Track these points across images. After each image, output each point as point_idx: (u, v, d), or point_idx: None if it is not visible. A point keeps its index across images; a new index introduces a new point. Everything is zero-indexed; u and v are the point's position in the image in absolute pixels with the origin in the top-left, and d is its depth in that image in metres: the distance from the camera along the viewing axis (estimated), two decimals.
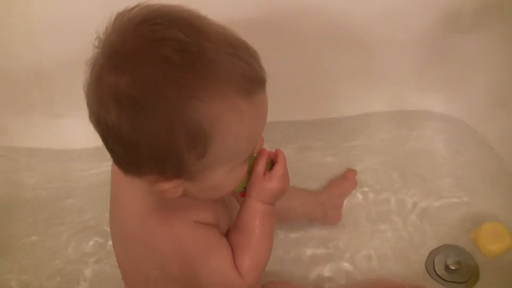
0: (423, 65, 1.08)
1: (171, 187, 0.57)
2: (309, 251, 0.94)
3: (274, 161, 0.67)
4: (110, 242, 0.80)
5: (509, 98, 1.00)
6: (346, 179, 1.00)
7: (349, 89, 1.10)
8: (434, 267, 0.89)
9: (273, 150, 0.68)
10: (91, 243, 0.97)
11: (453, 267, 0.87)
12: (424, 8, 0.99)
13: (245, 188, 0.66)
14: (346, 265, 0.92)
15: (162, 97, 0.50)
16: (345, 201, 0.99)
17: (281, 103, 0.91)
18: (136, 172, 0.57)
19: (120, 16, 0.54)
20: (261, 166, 0.65)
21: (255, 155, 0.65)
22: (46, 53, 1.00)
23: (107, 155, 0.57)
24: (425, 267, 0.89)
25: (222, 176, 0.58)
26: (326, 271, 0.91)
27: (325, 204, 0.96)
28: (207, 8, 0.55)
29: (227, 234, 0.68)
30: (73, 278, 0.92)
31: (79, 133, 0.97)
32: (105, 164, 0.91)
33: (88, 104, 0.54)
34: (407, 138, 1.09)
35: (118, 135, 0.53)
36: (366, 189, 1.01)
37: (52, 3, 0.93)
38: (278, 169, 0.66)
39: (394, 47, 1.04)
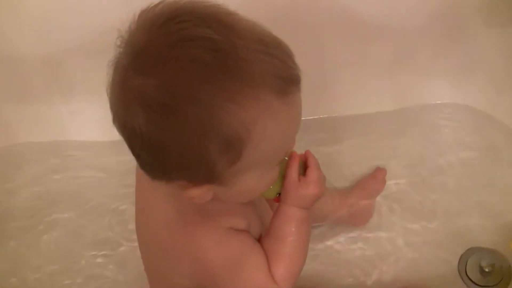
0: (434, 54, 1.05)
1: (201, 193, 0.55)
2: (335, 253, 0.92)
3: (306, 164, 0.65)
4: None
5: None
6: (375, 178, 0.97)
7: (360, 86, 1.08)
8: (466, 270, 0.87)
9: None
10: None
11: (487, 270, 0.85)
12: None
13: (279, 194, 0.64)
14: (373, 267, 0.90)
15: (194, 101, 0.47)
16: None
17: None
18: (165, 178, 0.54)
19: (144, 13, 0.50)
20: (294, 171, 0.62)
21: (286, 158, 0.63)
22: (54, 41, 0.97)
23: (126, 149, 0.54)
24: (458, 269, 0.88)
25: (255, 180, 0.56)
26: (354, 274, 0.90)
27: (355, 206, 0.94)
28: None
29: (260, 240, 0.66)
30: None
31: (92, 123, 0.98)
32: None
33: (112, 108, 0.52)
34: (426, 134, 1.06)
35: (146, 141, 0.50)
36: (391, 189, 0.98)
37: None
38: (312, 174, 0.63)
39: (407, 36, 1.02)
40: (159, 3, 0.51)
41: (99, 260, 0.94)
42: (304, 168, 0.65)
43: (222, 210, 0.61)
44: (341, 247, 0.92)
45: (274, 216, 0.65)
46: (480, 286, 0.85)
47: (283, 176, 0.63)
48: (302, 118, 0.55)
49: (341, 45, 1.02)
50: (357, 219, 0.94)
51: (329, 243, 0.93)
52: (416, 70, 1.07)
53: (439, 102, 1.09)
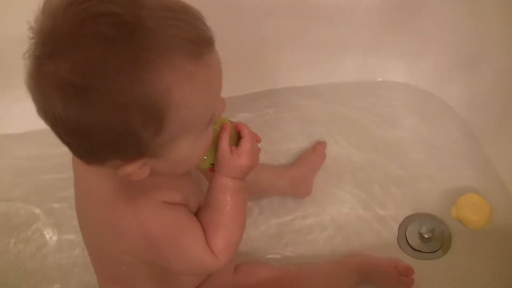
0: (385, 33, 1.06)
1: (135, 169, 0.54)
2: (279, 227, 0.92)
3: (239, 135, 0.65)
4: None
5: (467, 62, 1.00)
6: (315, 152, 0.99)
7: (310, 58, 1.08)
8: (406, 236, 0.88)
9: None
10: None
11: (426, 236, 0.86)
12: None
13: (213, 164, 0.64)
14: (316, 239, 0.90)
15: (105, 77, 0.47)
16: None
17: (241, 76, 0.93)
18: (97, 161, 0.54)
19: (49, 0, 0.49)
20: (225, 142, 0.63)
21: (218, 128, 0.63)
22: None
23: None
24: (397, 237, 0.89)
25: (188, 147, 0.56)
26: (298, 247, 0.90)
27: (295, 177, 0.94)
28: None
29: (197, 213, 0.66)
30: None
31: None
32: None
33: (33, 99, 0.51)
34: (373, 108, 1.07)
35: (68, 126, 0.50)
36: (334, 160, 0.99)
37: None
38: (245, 145, 0.64)
39: (355, 14, 1.02)
40: None
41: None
42: (237, 139, 0.65)
43: (157, 184, 0.61)
44: (280, 218, 0.93)
45: (209, 187, 0.65)
46: (419, 252, 0.87)
47: (215, 147, 0.63)
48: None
49: (289, 22, 1.02)
50: (298, 191, 0.95)
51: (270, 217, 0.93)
52: (366, 48, 1.08)
53: (388, 80, 1.10)
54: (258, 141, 0.67)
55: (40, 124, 0.53)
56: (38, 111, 0.51)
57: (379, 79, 1.11)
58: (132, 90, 0.48)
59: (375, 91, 1.10)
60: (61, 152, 0.58)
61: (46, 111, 0.50)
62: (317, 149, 0.99)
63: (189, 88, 0.50)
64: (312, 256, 0.88)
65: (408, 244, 0.88)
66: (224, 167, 0.63)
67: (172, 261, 0.63)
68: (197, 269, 0.66)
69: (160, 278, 0.68)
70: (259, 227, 0.92)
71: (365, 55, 1.09)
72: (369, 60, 1.09)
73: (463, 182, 0.94)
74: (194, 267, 0.65)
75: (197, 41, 0.50)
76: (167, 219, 0.61)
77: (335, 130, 1.04)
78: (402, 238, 0.88)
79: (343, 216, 0.92)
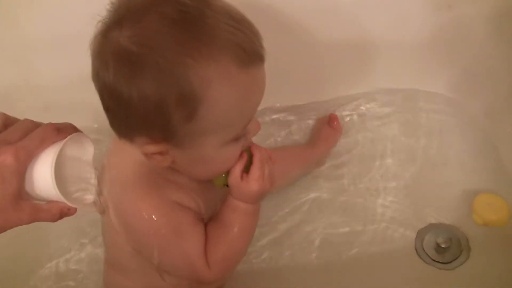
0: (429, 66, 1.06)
1: (158, 151, 0.57)
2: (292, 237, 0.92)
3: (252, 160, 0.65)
4: None
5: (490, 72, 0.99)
6: (331, 127, 1.01)
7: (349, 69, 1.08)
8: (423, 245, 0.87)
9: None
10: None
11: (444, 246, 0.85)
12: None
13: (227, 185, 0.65)
14: (331, 246, 0.90)
15: (156, 51, 0.51)
16: (330, 178, 0.99)
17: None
18: (128, 134, 0.57)
19: None
20: (238, 168, 0.63)
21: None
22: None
23: None
24: (415, 245, 0.88)
25: (211, 148, 0.58)
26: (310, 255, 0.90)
27: (317, 157, 0.99)
28: None
29: (207, 222, 0.67)
30: None
31: None
32: None
33: (92, 61, 0.55)
34: (400, 114, 1.06)
35: (114, 92, 0.53)
36: (351, 166, 1.00)
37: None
38: (253, 172, 0.64)
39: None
40: None
41: None
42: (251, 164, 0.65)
43: (173, 184, 0.64)
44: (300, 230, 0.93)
45: (222, 204, 0.67)
46: (437, 262, 0.85)
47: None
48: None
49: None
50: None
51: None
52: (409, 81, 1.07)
53: (422, 89, 1.08)
54: (273, 162, 0.66)
55: None
56: (92, 75, 0.55)
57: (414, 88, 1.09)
58: (176, 69, 0.51)
59: (405, 98, 1.08)
60: None
61: (98, 73, 0.54)
62: (332, 124, 1.01)
63: (228, 88, 0.53)
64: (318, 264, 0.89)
65: (427, 255, 0.86)
66: (234, 191, 0.65)
67: (167, 259, 0.65)
68: (186, 273, 0.67)
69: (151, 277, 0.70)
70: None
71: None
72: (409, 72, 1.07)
73: (475, 188, 0.92)
74: (183, 270, 0.66)
75: (249, 51, 0.54)
76: (170, 218, 0.63)
77: (354, 132, 1.04)
78: (419, 247, 0.87)
79: (356, 220, 0.92)
